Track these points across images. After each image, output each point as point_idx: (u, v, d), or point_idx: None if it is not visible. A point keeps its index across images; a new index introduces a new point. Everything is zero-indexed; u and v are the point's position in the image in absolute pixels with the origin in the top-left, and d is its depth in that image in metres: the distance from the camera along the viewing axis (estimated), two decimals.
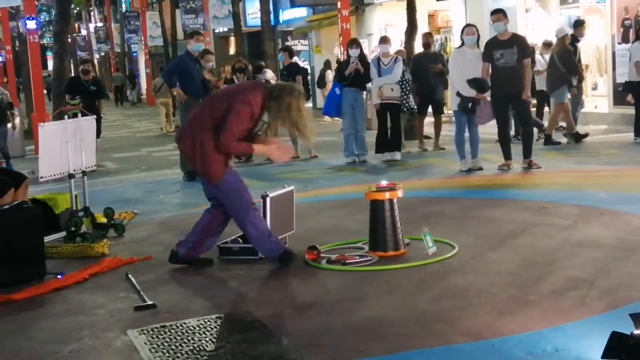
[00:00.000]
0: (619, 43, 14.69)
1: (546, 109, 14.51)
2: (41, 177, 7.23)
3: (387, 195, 5.90)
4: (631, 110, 14.35)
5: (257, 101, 5.57)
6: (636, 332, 3.60)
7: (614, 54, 14.89)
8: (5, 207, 6.00)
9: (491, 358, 3.86)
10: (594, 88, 18.03)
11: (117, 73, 44.53)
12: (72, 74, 19.87)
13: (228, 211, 5.83)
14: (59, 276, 5.83)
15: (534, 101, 13.45)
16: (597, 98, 17.18)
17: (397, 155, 11.50)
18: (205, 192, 5.98)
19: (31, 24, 17.45)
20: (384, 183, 6.11)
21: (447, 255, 5.74)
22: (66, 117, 7.41)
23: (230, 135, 5.51)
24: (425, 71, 12.25)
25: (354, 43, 11.91)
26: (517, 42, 9.66)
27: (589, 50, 17.06)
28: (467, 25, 10.52)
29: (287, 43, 29.00)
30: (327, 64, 22.93)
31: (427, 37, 13.17)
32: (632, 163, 9.88)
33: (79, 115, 7.54)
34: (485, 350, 3.95)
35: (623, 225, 6.42)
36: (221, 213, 5.91)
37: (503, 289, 4.90)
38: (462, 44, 10.03)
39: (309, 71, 24.71)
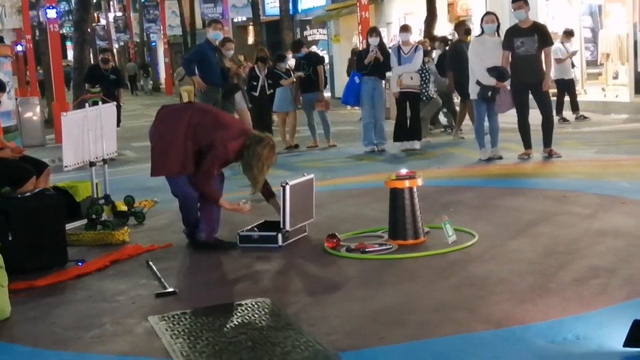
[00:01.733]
0: None
1: (566, 98, 14.45)
2: (65, 167, 7.27)
3: (407, 183, 5.89)
4: None
5: (234, 148, 5.94)
6: None
7: (635, 42, 14.77)
8: (27, 194, 6.04)
9: (512, 346, 3.85)
10: (615, 77, 17.92)
11: (130, 62, 44.66)
12: (92, 63, 19.98)
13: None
14: (80, 264, 5.88)
15: (554, 90, 13.37)
16: (618, 87, 17.08)
17: (417, 145, 11.48)
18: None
19: (52, 13, 17.53)
20: (403, 171, 6.09)
21: (467, 244, 5.73)
22: (87, 104, 7.45)
23: (207, 175, 5.96)
24: (466, 58, 11.89)
25: (374, 31, 11.87)
26: (538, 31, 9.59)
27: (610, 39, 16.95)
28: (487, 13, 10.45)
29: (305, 32, 28.97)
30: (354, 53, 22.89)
31: (465, 24, 12.93)
32: None
33: (100, 103, 7.57)
34: (505, 338, 3.94)
35: None
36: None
37: (523, 278, 4.89)
38: (482, 32, 9.97)
39: (328, 60, 24.70)
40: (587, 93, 17.27)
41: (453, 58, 12.12)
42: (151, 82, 43.74)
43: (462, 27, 12.89)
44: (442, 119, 14.12)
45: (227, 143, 5.93)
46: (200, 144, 5.97)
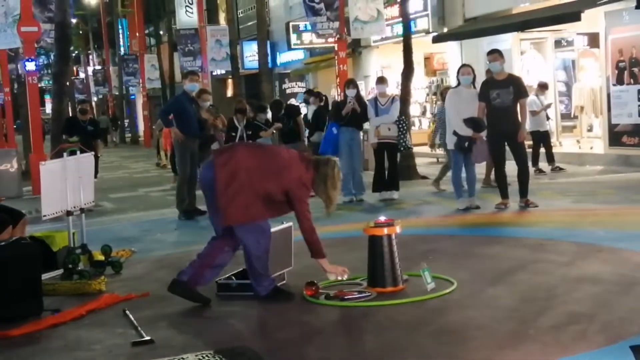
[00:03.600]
0: (614, 85, 14.83)
1: (542, 149, 14.63)
2: (44, 216, 7.20)
3: (385, 230, 5.91)
4: (627, 151, 14.54)
5: (309, 178, 5.84)
6: None
7: (609, 95, 15.03)
8: (2, 243, 5.99)
9: None
10: (589, 129, 18.18)
11: (102, 116, 44.65)
12: (70, 115, 19.99)
13: (242, 241, 5.85)
14: (55, 313, 5.80)
15: (529, 142, 13.53)
16: (592, 139, 17.32)
17: (395, 195, 11.53)
18: (215, 225, 5.98)
19: (30, 66, 17.54)
20: (382, 219, 6.12)
21: (446, 291, 5.73)
22: (65, 154, 7.42)
23: (307, 222, 5.85)
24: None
25: (351, 83, 12.01)
26: (513, 82, 9.74)
27: (584, 92, 17.25)
28: (463, 65, 10.61)
29: (284, 85, 29.24)
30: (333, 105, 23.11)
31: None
32: (629, 202, 9.91)
33: (78, 152, 7.56)
34: None
35: (621, 261, 6.42)
36: (226, 242, 5.92)
37: (503, 324, 4.89)
38: (459, 83, 10.12)
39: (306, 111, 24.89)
40: (562, 145, 17.48)
41: None
42: (117, 134, 43.97)
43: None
44: None
45: (304, 180, 5.81)
46: (265, 187, 5.75)
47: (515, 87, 9.67)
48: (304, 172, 5.83)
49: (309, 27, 20.47)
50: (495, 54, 9.85)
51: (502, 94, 9.60)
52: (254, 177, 5.71)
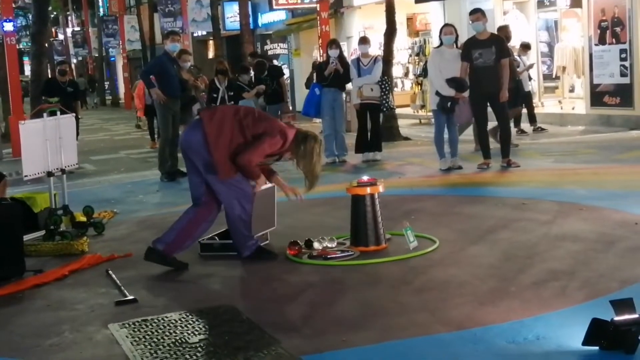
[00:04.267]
0: (596, 45, 14.81)
1: (524, 110, 14.65)
2: (25, 176, 7.16)
3: (368, 190, 5.92)
4: (608, 111, 14.59)
5: (291, 136, 5.71)
6: (616, 318, 3.64)
7: (591, 55, 15.02)
8: None
9: (473, 346, 3.87)
10: (571, 90, 18.22)
11: (80, 78, 44.19)
12: (49, 76, 19.75)
13: (223, 202, 5.79)
14: (38, 274, 5.79)
15: None
16: (574, 100, 17.37)
17: (378, 155, 11.53)
18: (193, 191, 5.87)
19: (8, 26, 17.32)
20: (365, 178, 6.12)
21: (428, 250, 5.76)
22: (45, 115, 7.35)
23: (256, 156, 5.63)
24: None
25: (333, 43, 11.94)
26: (496, 42, 9.71)
27: (566, 52, 17.25)
28: (445, 25, 10.56)
29: (265, 47, 29.01)
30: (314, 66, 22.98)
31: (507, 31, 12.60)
32: (610, 161, 9.97)
33: (58, 113, 7.49)
34: (467, 339, 3.96)
35: (602, 219, 6.47)
36: (210, 209, 5.84)
37: (484, 281, 4.93)
38: (441, 43, 10.07)
39: (288, 74, 24.76)
40: (544, 106, 17.51)
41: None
42: (97, 97, 43.51)
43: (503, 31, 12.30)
44: None
45: (285, 131, 5.69)
46: (245, 136, 5.65)
47: (498, 46, 9.64)
48: (286, 128, 5.76)
49: None
50: (477, 14, 9.82)
51: (484, 54, 9.57)
52: (240, 127, 5.64)
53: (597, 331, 3.67)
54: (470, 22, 10.03)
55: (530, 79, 15.19)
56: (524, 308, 4.36)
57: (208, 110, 6.12)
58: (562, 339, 3.85)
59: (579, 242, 5.74)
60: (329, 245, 5.95)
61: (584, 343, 3.69)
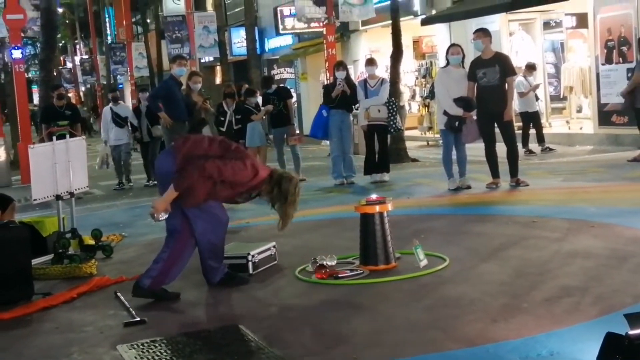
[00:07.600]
0: (603, 64, 14.82)
1: (532, 130, 14.63)
2: (34, 200, 7.16)
3: (377, 208, 5.89)
4: (616, 131, 14.54)
5: (262, 177, 5.49)
6: (631, 332, 3.59)
7: (598, 75, 15.01)
8: None
9: None
10: (579, 110, 18.18)
11: (79, 106, 44.28)
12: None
13: (195, 228, 5.59)
14: (47, 297, 5.76)
15: (519, 124, 13.53)
16: (582, 120, 17.33)
17: (386, 177, 11.51)
18: (168, 218, 5.56)
19: (17, 54, 17.44)
20: (373, 197, 6.10)
21: (438, 268, 5.72)
22: (54, 138, 7.37)
23: (214, 171, 5.32)
24: None
25: (341, 65, 11.96)
26: (500, 61, 9.69)
27: (573, 72, 17.23)
28: (452, 45, 10.58)
29: (272, 71, 29.11)
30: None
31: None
32: (619, 180, 9.91)
33: (67, 136, 7.50)
34: (480, 355, 3.92)
35: (613, 236, 6.42)
36: (189, 235, 5.63)
37: (495, 298, 4.88)
38: (448, 63, 10.07)
39: (295, 98, 24.81)
40: (552, 126, 17.48)
41: None
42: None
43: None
44: None
45: (258, 166, 5.53)
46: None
47: (502, 65, 9.62)
48: (263, 170, 5.57)
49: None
50: (478, 32, 9.84)
51: (488, 73, 9.56)
52: (211, 157, 5.41)
53: (612, 346, 3.61)
54: (472, 40, 10.04)
55: (537, 99, 15.19)
56: (536, 324, 4.31)
57: (181, 138, 5.87)
58: (576, 354, 3.80)
59: (591, 259, 5.69)
60: (329, 262, 5.87)
61: (599, 358, 3.63)
